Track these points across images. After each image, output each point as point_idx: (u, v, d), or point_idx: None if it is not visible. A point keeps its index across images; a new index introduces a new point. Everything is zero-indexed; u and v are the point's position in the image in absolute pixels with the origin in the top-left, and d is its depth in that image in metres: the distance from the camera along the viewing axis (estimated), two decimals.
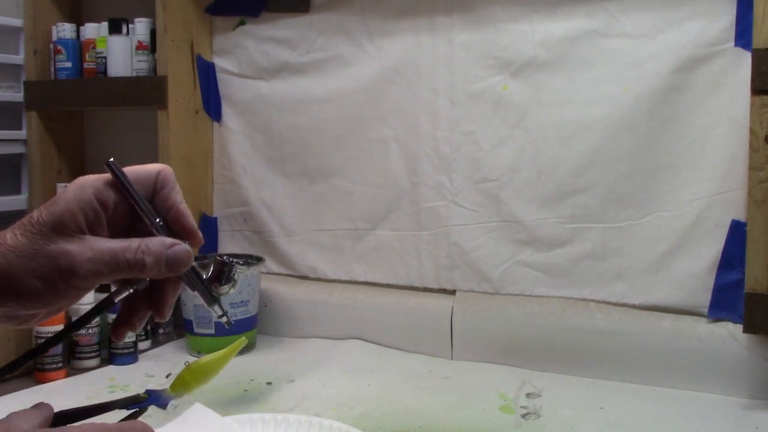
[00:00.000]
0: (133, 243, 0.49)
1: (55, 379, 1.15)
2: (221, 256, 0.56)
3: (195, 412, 0.93)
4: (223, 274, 0.56)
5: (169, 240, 0.51)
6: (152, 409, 0.97)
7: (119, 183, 0.51)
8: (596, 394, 1.08)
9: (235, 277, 0.56)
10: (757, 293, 1.00)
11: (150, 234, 0.51)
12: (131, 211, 0.51)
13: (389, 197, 1.33)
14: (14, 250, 0.47)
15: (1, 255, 0.47)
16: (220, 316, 0.57)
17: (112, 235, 0.50)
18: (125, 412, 0.54)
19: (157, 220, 0.52)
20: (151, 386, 0.57)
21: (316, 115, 1.37)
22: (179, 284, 0.54)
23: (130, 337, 1.23)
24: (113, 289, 0.53)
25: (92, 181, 0.50)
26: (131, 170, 0.52)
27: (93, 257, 0.47)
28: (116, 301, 0.52)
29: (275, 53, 1.41)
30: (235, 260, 0.56)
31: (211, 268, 0.56)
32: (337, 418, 0.94)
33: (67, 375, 1.17)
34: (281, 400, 1.07)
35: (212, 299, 0.56)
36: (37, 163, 1.55)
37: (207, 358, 0.59)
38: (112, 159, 0.51)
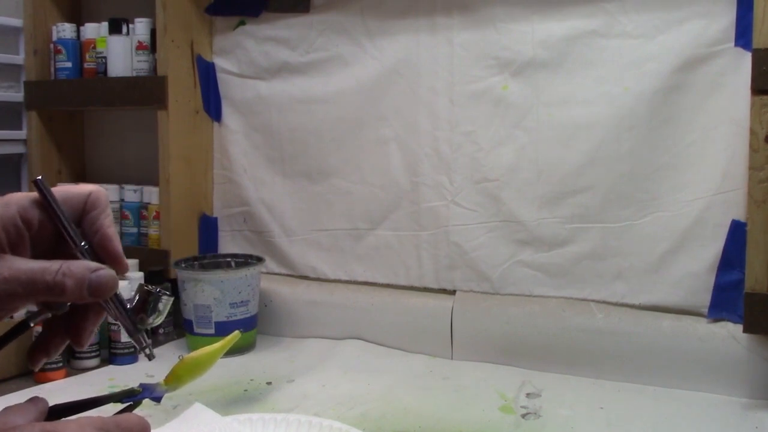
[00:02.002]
0: (54, 265, 0.47)
1: (55, 379, 1.15)
2: (147, 285, 0.54)
3: (195, 411, 0.93)
4: (149, 304, 0.53)
5: (93, 264, 0.48)
6: (152, 409, 0.97)
7: (45, 202, 0.49)
8: (596, 394, 1.08)
9: (161, 308, 0.53)
10: (757, 293, 1.00)
11: (75, 257, 0.49)
12: (57, 233, 0.49)
13: (389, 197, 1.33)
14: None
15: None
16: (143, 348, 0.55)
17: (36, 256, 0.48)
18: (120, 406, 0.53)
19: (83, 243, 0.50)
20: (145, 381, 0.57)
21: (316, 115, 1.37)
22: (101, 312, 0.52)
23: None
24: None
25: (18, 199, 0.48)
26: (62, 190, 0.50)
27: (9, 277, 0.45)
28: (32, 324, 0.50)
29: (275, 53, 1.40)
30: (161, 290, 0.54)
31: (136, 297, 0.53)
32: (337, 418, 0.94)
33: (67, 375, 1.17)
34: (281, 400, 1.07)
35: (135, 329, 0.53)
36: (37, 163, 1.55)
37: (200, 351, 0.59)
38: (40, 177, 0.49)
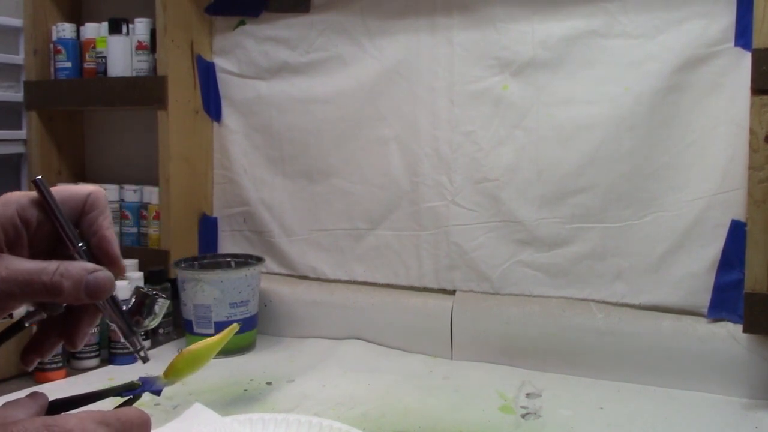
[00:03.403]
0: (51, 265, 0.46)
1: (55, 379, 1.15)
2: (143, 287, 0.54)
3: (195, 411, 0.93)
4: (145, 307, 0.53)
5: (90, 265, 0.48)
6: (152, 409, 0.97)
7: (44, 202, 0.49)
8: (596, 394, 1.08)
9: (157, 310, 0.53)
10: (757, 293, 1.00)
11: (73, 258, 0.49)
12: (55, 233, 0.49)
13: (389, 197, 1.33)
14: None
15: None
16: (137, 351, 0.55)
17: (34, 256, 0.48)
18: (119, 400, 0.53)
19: (80, 244, 0.50)
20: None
21: (316, 115, 1.37)
22: (97, 314, 0.52)
23: None
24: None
25: (17, 198, 0.48)
26: (61, 190, 0.50)
27: (6, 276, 0.45)
28: (26, 325, 0.50)
29: (275, 53, 1.40)
30: (157, 293, 0.54)
31: (132, 300, 0.53)
32: (337, 418, 0.94)
33: (67, 375, 1.17)
34: (281, 400, 1.07)
35: (130, 332, 0.53)
36: (37, 163, 1.55)
37: (199, 344, 0.59)
38: (39, 177, 0.49)
